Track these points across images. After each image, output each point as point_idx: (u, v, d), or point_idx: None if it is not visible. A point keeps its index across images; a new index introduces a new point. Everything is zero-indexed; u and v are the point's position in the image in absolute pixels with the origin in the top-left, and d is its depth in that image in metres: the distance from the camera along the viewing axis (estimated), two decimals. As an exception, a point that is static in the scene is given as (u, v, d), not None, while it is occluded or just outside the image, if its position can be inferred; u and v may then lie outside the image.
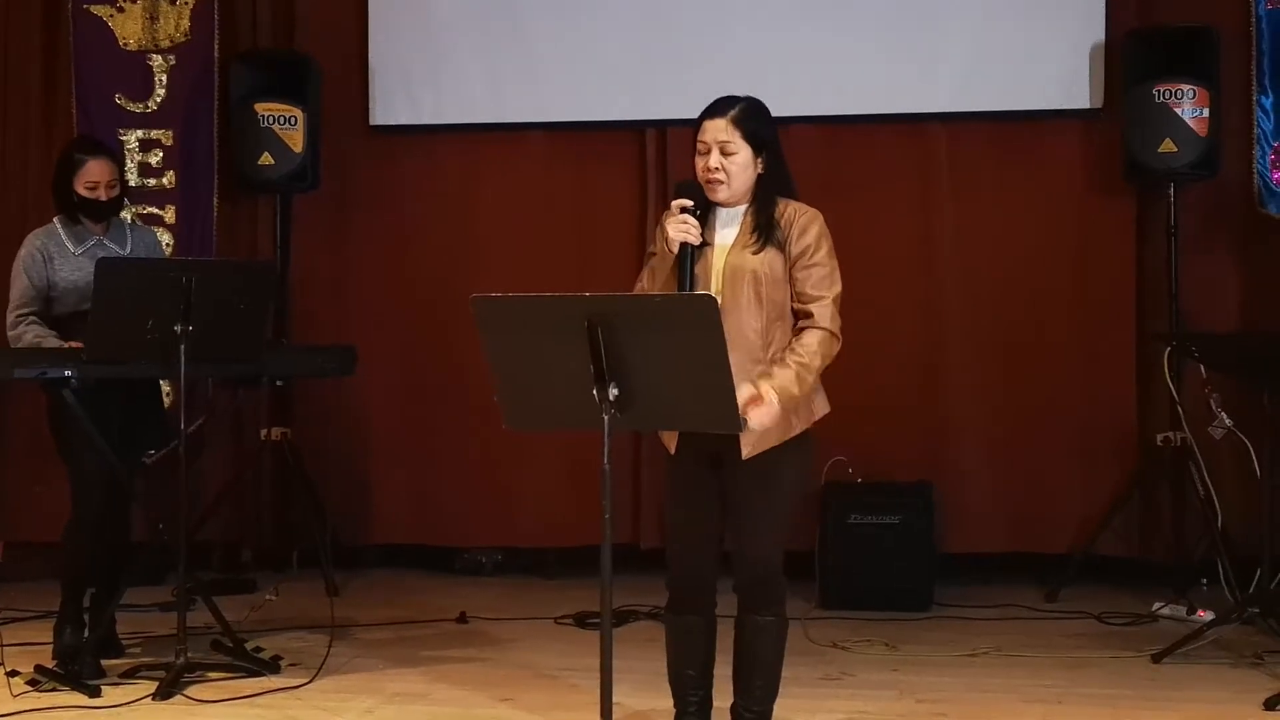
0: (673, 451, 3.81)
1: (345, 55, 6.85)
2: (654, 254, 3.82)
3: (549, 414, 3.53)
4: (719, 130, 3.75)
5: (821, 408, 3.85)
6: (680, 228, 3.68)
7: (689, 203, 3.71)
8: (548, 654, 5.30)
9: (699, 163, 3.78)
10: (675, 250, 3.68)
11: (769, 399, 3.57)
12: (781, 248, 3.73)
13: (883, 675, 5.00)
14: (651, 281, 3.78)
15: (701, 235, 3.72)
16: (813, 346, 3.70)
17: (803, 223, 3.76)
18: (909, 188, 6.51)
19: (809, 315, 3.74)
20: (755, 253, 3.73)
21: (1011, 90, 6.35)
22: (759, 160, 3.77)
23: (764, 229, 3.75)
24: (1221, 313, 6.23)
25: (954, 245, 6.45)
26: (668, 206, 3.80)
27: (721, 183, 3.74)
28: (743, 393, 3.48)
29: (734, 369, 3.31)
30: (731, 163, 3.74)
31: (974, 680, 4.93)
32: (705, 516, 3.82)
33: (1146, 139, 6.02)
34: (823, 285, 3.74)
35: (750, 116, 3.78)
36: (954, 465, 6.41)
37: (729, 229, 3.80)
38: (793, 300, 3.77)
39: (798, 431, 3.75)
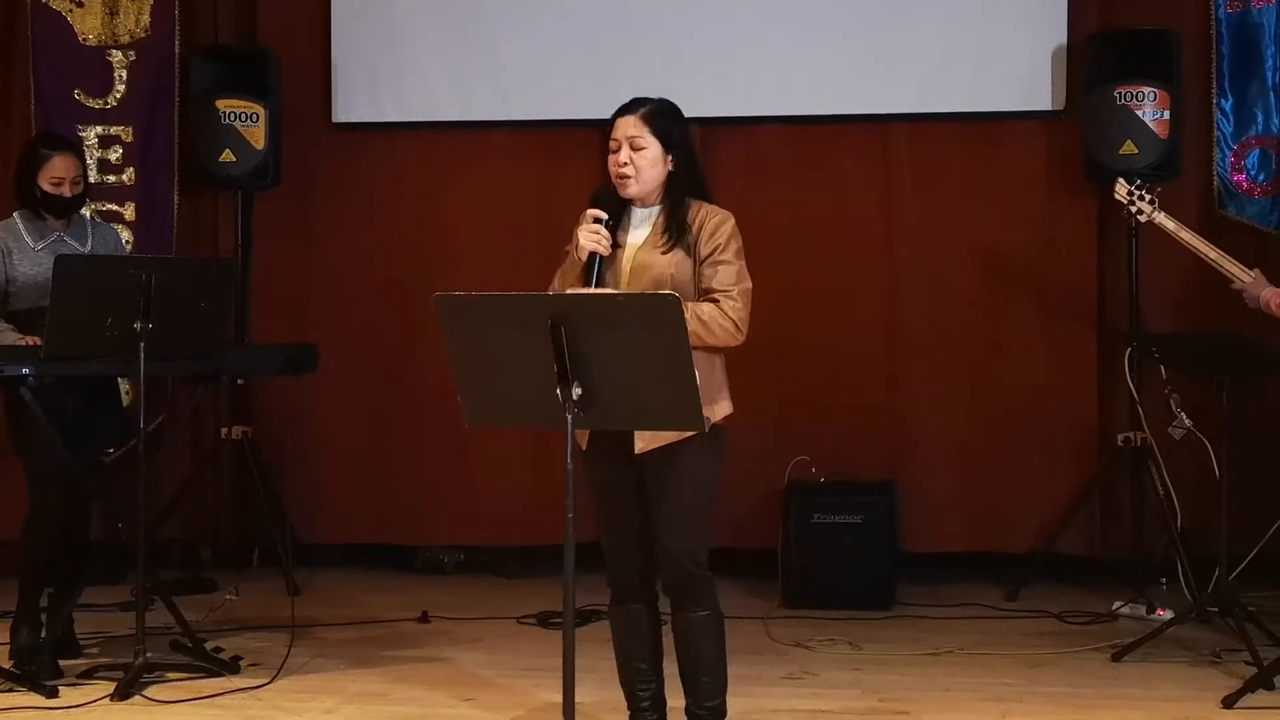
0: (584, 448, 3.84)
1: (308, 51, 6.81)
2: (569, 253, 3.87)
3: (511, 412, 3.53)
4: (628, 126, 3.82)
5: (723, 408, 3.84)
6: (592, 237, 3.74)
7: (603, 214, 3.76)
8: (510, 654, 5.29)
9: (610, 160, 3.84)
10: (584, 258, 3.74)
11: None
12: (690, 251, 3.78)
13: (845, 674, 5.01)
14: (561, 284, 3.83)
15: (614, 240, 3.78)
16: (705, 310, 3.71)
17: (713, 224, 3.81)
18: (873, 188, 6.53)
19: (715, 303, 3.76)
20: (664, 253, 3.78)
21: (975, 92, 6.38)
22: (669, 158, 3.83)
23: (674, 230, 3.80)
24: (1181, 313, 6.27)
25: (917, 245, 6.47)
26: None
27: (630, 177, 3.80)
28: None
29: None
30: (641, 158, 3.80)
31: (936, 679, 4.94)
32: (627, 509, 3.86)
33: (1107, 140, 6.05)
34: (730, 281, 3.77)
35: (660, 115, 3.85)
36: (916, 464, 6.43)
37: (640, 229, 3.85)
38: (699, 299, 3.78)
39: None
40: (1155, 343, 5.79)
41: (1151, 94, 6.02)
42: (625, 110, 3.86)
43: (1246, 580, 5.50)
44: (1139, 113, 6.02)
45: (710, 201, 3.89)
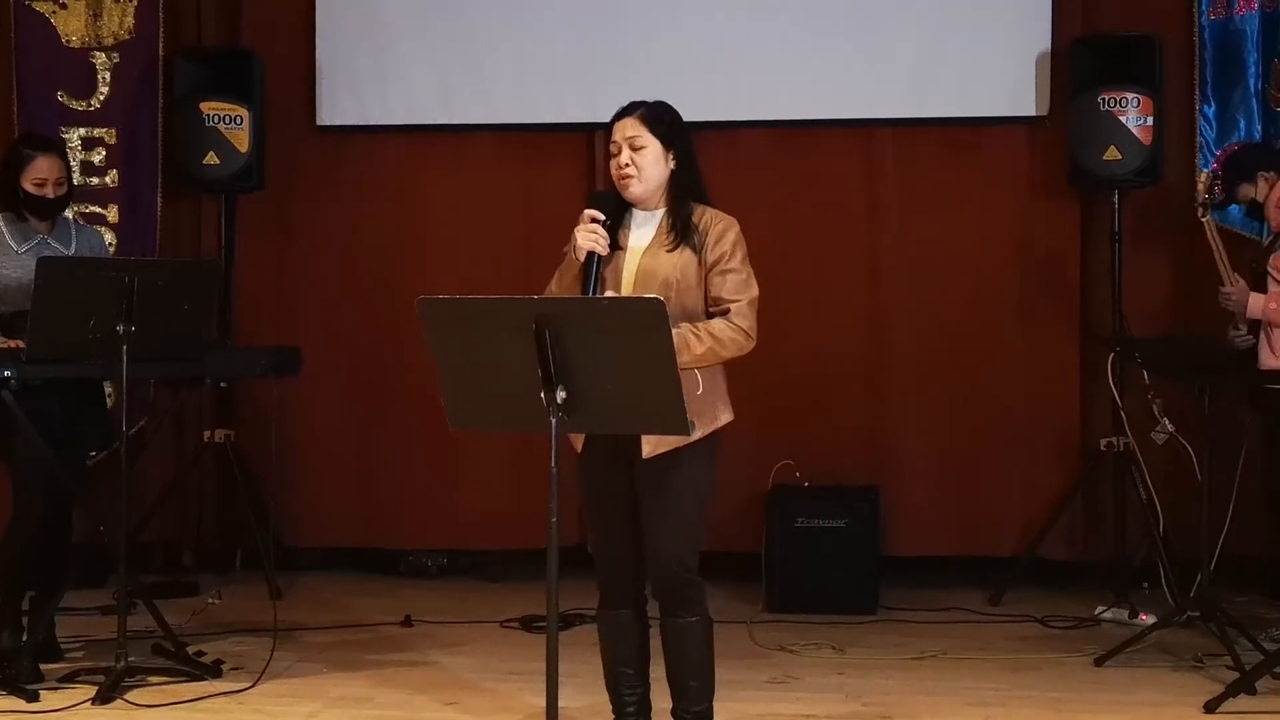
0: (579, 450, 3.83)
1: (292, 54, 6.80)
2: (567, 253, 3.86)
3: (495, 416, 3.52)
4: (626, 128, 3.84)
5: (724, 416, 3.86)
6: (589, 237, 3.73)
7: (600, 215, 3.76)
8: (493, 658, 5.28)
9: (612, 165, 3.85)
10: (582, 258, 3.73)
11: None
12: (697, 251, 3.79)
13: (829, 678, 5.02)
14: (559, 284, 3.83)
15: (614, 241, 3.78)
16: (716, 326, 3.74)
17: (719, 229, 3.82)
18: (857, 192, 6.54)
19: (725, 313, 3.78)
20: (669, 251, 3.79)
21: (959, 97, 6.39)
22: (670, 155, 3.84)
23: (680, 230, 3.81)
24: (1164, 318, 6.30)
25: (901, 250, 6.48)
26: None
27: (633, 177, 3.81)
28: None
29: None
30: (641, 157, 3.81)
31: (919, 683, 4.95)
32: (620, 513, 3.85)
33: (1091, 146, 6.07)
34: (738, 290, 3.79)
35: (657, 114, 3.87)
36: (900, 469, 6.44)
37: (643, 230, 3.85)
38: (707, 305, 3.81)
39: (698, 436, 3.72)
40: (1138, 348, 5.80)
41: (1135, 100, 6.04)
42: (623, 113, 3.87)
43: (1229, 585, 5.52)
44: (1122, 118, 6.04)
45: (709, 204, 3.89)
